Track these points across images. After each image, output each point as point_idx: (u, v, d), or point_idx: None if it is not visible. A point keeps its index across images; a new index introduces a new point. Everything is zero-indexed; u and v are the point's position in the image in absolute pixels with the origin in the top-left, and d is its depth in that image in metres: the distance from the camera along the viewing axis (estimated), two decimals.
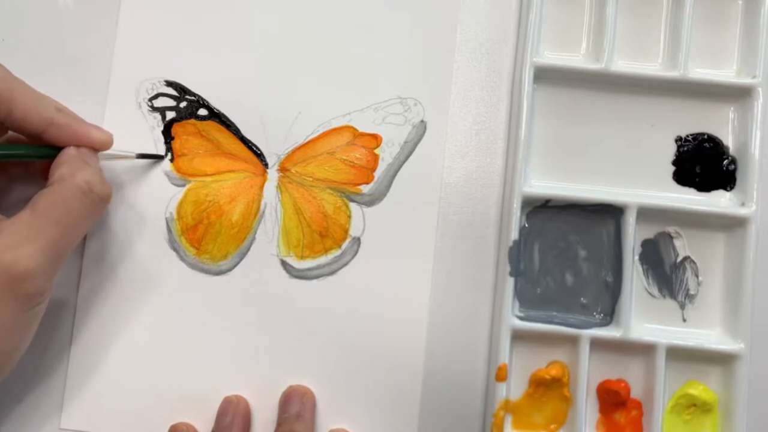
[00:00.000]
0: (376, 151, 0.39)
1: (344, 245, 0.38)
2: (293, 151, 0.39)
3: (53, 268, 0.31)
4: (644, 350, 0.36)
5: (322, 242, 0.38)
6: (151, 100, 0.39)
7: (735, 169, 0.38)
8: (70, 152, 0.33)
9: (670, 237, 0.38)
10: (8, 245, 0.30)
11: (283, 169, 0.39)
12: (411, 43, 0.39)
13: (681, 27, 0.37)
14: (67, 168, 0.32)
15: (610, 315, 0.37)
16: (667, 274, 0.38)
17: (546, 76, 0.37)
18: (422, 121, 0.39)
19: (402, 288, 0.38)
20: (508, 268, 0.36)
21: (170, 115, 0.39)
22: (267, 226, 0.38)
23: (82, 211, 0.32)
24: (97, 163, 0.34)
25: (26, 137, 0.34)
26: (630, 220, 0.37)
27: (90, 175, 0.33)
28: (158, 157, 0.38)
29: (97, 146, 0.34)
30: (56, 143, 0.34)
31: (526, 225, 0.37)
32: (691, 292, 0.38)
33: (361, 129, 0.39)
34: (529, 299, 0.37)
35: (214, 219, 0.38)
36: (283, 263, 0.38)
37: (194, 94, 0.39)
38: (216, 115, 0.39)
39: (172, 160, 0.38)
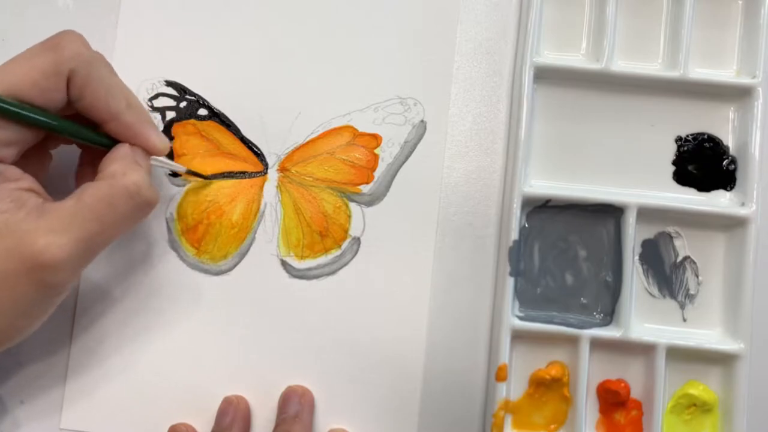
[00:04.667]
0: (376, 151, 0.39)
1: (344, 245, 0.38)
2: (293, 151, 0.39)
3: (82, 263, 0.31)
4: (644, 350, 0.36)
5: (322, 242, 0.38)
6: (151, 100, 0.39)
7: (735, 169, 0.38)
8: (124, 150, 0.33)
9: (670, 237, 0.38)
10: (45, 229, 0.29)
11: (283, 169, 0.39)
12: (411, 43, 0.39)
13: (681, 27, 0.37)
14: (119, 166, 0.32)
15: (610, 315, 0.37)
16: (667, 274, 0.38)
17: (546, 76, 0.37)
18: (422, 121, 0.39)
19: (402, 288, 0.38)
20: (508, 268, 0.36)
21: (170, 115, 0.39)
22: (267, 226, 0.38)
23: (125, 212, 0.31)
24: (148, 166, 0.34)
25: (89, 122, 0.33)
26: (630, 220, 0.37)
27: (140, 177, 0.32)
28: (204, 177, 0.38)
29: (152, 151, 0.34)
30: (115, 137, 0.33)
31: (526, 225, 0.37)
32: (691, 292, 0.38)
33: (361, 129, 0.39)
34: (529, 299, 0.37)
35: (214, 219, 0.38)
36: (283, 263, 0.38)
37: (194, 94, 0.39)
38: (216, 115, 0.39)
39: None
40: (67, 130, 0.32)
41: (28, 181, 0.31)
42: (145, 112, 0.34)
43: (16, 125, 0.31)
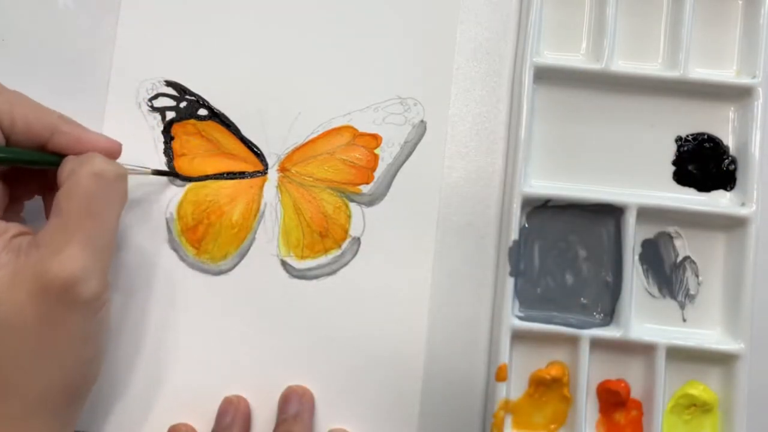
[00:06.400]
0: (376, 151, 0.39)
1: (344, 245, 0.38)
2: (293, 151, 0.39)
3: (100, 265, 0.30)
4: (644, 350, 0.36)
5: (322, 242, 0.38)
6: (151, 100, 0.39)
7: (735, 169, 0.38)
8: (71, 158, 0.32)
9: (670, 237, 0.38)
10: (48, 254, 0.29)
11: (283, 169, 0.39)
12: (411, 43, 0.39)
13: (681, 27, 0.37)
14: (73, 163, 0.32)
15: (610, 315, 0.37)
16: (667, 274, 0.38)
17: (546, 76, 0.37)
18: (422, 121, 0.39)
19: (402, 288, 0.38)
20: (508, 268, 0.36)
21: (170, 115, 0.39)
22: (267, 226, 0.38)
23: (103, 194, 0.31)
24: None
25: (32, 148, 0.33)
26: (630, 220, 0.37)
27: (98, 161, 0.32)
28: (174, 175, 0.38)
29: (103, 154, 0.33)
30: (62, 151, 0.33)
31: (526, 225, 0.37)
32: (691, 292, 0.38)
33: (361, 129, 0.39)
34: (529, 299, 0.37)
35: (214, 219, 0.38)
36: (283, 263, 0.38)
37: (194, 94, 0.39)
38: (216, 115, 0.39)
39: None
40: (16, 155, 0.32)
41: (13, 228, 0.31)
42: (78, 123, 0.34)
43: None
